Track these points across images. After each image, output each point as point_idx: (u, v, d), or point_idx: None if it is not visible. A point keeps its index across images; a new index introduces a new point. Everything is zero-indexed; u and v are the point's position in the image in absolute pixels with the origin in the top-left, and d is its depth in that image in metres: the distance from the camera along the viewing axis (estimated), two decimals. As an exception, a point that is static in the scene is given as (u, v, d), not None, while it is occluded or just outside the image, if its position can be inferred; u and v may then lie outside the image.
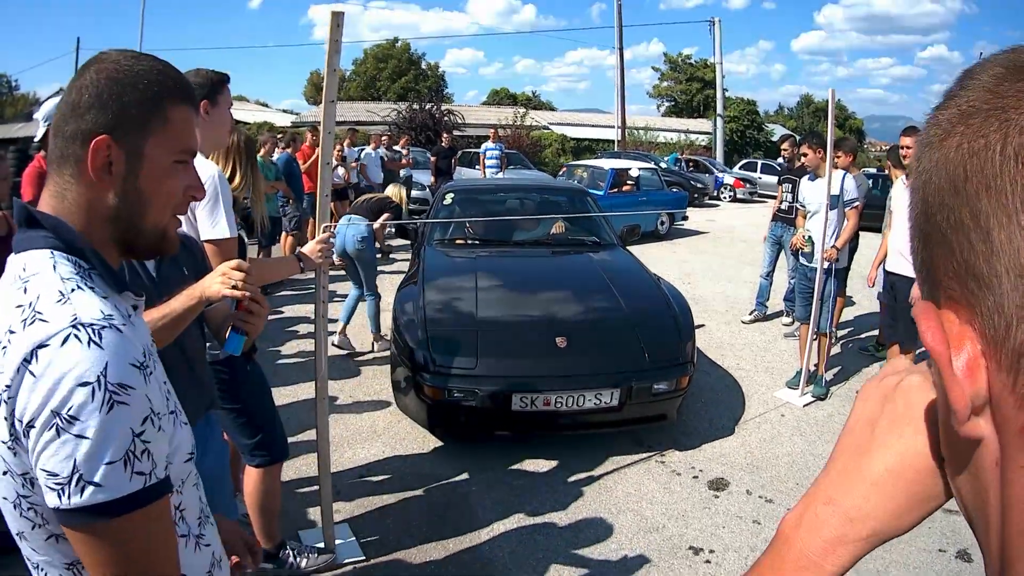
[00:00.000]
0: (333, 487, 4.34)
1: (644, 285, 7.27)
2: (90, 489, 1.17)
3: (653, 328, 6.37)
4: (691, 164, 34.18)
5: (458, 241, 8.70)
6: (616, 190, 17.94)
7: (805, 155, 7.66)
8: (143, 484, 1.23)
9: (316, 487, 4.45)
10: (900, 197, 7.10)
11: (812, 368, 7.50)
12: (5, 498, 1.29)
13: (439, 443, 6.11)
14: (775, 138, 57.67)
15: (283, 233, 12.61)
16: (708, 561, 4.63)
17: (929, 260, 0.59)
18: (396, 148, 18.07)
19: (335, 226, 3.78)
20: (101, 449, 1.17)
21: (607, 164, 19.64)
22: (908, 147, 6.79)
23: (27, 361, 1.17)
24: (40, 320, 1.22)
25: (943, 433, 0.64)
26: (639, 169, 20.02)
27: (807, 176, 7.85)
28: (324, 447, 3.86)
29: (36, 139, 5.96)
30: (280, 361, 7.89)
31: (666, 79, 75.03)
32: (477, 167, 21.47)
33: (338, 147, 14.75)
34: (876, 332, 9.10)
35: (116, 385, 1.19)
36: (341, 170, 14.87)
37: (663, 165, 29.58)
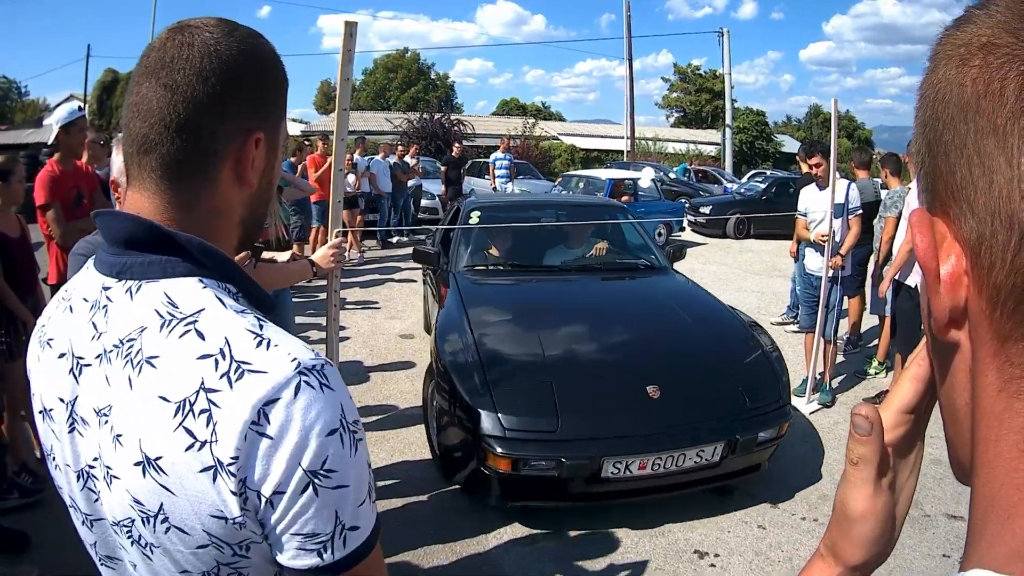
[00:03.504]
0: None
1: (722, 317, 6.43)
2: (353, 535, 1.07)
3: (748, 368, 5.63)
4: (700, 175, 34.27)
5: (492, 267, 7.56)
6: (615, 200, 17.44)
7: (819, 165, 7.68)
8: (377, 510, 1.14)
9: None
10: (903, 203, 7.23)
11: (818, 376, 7.55)
12: (187, 572, 1.11)
13: (447, 448, 6.08)
14: (784, 149, 57.79)
15: (290, 241, 12.50)
16: (713, 565, 4.66)
17: (932, 170, 0.61)
18: (406, 158, 18.11)
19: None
20: (358, 493, 1.07)
21: (604, 174, 19.35)
22: (907, 159, 6.92)
23: (256, 424, 0.99)
24: (252, 372, 1.02)
25: (928, 339, 0.70)
26: (650, 180, 19.98)
27: (812, 185, 7.89)
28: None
29: (49, 142, 6.03)
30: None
31: (675, 90, 75.01)
32: (487, 177, 21.57)
33: (348, 156, 14.80)
34: (876, 342, 9.01)
35: (353, 423, 1.06)
36: (351, 177, 14.90)
37: (672, 176, 29.67)
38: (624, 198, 17.43)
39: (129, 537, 1.11)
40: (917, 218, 0.60)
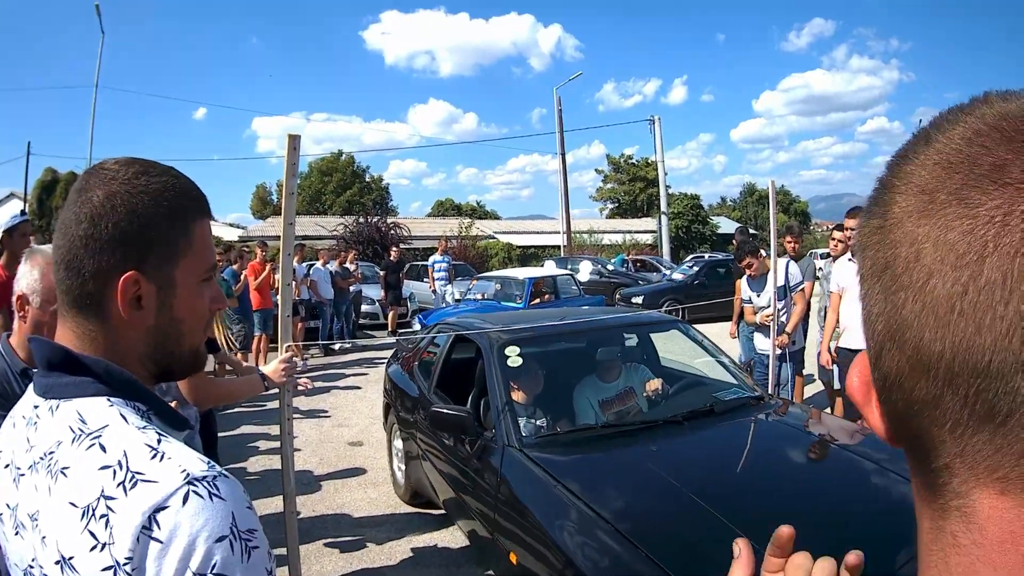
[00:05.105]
0: (304, 602, 4.33)
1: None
2: None
3: None
4: (638, 264, 34.60)
5: (571, 432, 5.13)
6: (537, 300, 16.55)
7: (751, 265, 7.88)
8: None
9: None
10: (846, 274, 7.29)
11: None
12: None
13: (407, 554, 6.06)
14: (720, 230, 58.67)
15: (232, 352, 12.41)
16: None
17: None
18: (346, 264, 18.12)
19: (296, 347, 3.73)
20: None
21: (523, 273, 18.25)
22: (852, 229, 6.99)
23: (147, 528, 1.07)
24: (145, 481, 1.11)
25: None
26: (589, 272, 20.02)
27: (748, 279, 8.10)
28: (295, 561, 3.85)
29: None
30: (245, 478, 7.83)
31: (609, 181, 76.33)
32: (426, 280, 21.66)
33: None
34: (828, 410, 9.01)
35: (247, 532, 1.13)
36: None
37: (610, 267, 29.91)
38: (546, 297, 17.08)
39: None
40: (857, 359, 0.66)
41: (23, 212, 6.19)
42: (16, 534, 1.24)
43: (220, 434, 6.08)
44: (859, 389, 0.65)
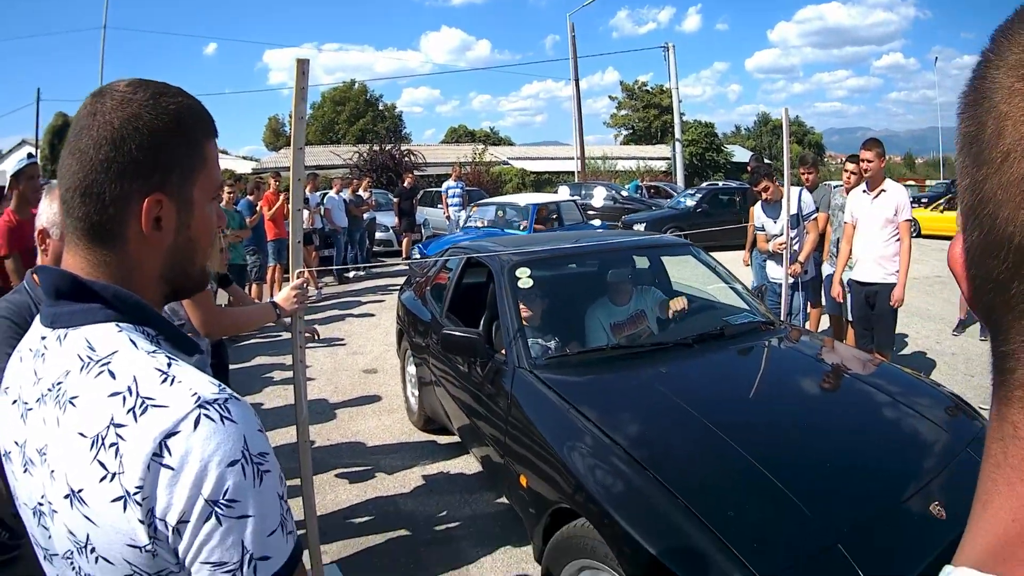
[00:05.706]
0: (319, 529, 4.33)
1: (917, 384, 4.71)
2: (264, 565, 1.10)
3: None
4: (652, 190, 34.45)
5: (581, 353, 5.05)
6: (541, 227, 16.07)
7: (767, 188, 7.82)
8: (295, 541, 1.17)
9: (303, 531, 4.35)
10: (860, 205, 7.21)
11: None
12: None
13: (420, 482, 6.09)
14: (735, 159, 58.29)
15: (247, 282, 12.61)
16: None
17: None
18: (359, 192, 18.05)
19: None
20: (264, 523, 1.10)
21: (524, 200, 18.04)
22: (869, 160, 6.88)
23: (157, 455, 1.04)
24: (155, 406, 1.08)
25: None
26: (603, 198, 19.92)
27: (763, 204, 8.03)
28: (308, 490, 3.85)
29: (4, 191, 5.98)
30: (260, 410, 7.86)
31: (623, 107, 75.59)
32: (440, 206, 21.60)
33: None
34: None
35: (258, 455, 1.10)
36: (304, 214, 14.83)
37: (624, 193, 29.82)
38: (551, 223, 16.78)
39: (73, 569, 1.17)
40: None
41: (30, 155, 6.19)
42: (25, 471, 1.21)
43: (233, 366, 6.08)
44: (957, 260, 0.63)
